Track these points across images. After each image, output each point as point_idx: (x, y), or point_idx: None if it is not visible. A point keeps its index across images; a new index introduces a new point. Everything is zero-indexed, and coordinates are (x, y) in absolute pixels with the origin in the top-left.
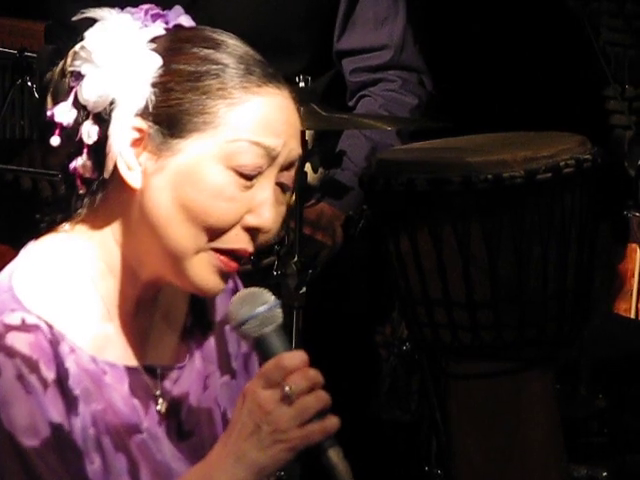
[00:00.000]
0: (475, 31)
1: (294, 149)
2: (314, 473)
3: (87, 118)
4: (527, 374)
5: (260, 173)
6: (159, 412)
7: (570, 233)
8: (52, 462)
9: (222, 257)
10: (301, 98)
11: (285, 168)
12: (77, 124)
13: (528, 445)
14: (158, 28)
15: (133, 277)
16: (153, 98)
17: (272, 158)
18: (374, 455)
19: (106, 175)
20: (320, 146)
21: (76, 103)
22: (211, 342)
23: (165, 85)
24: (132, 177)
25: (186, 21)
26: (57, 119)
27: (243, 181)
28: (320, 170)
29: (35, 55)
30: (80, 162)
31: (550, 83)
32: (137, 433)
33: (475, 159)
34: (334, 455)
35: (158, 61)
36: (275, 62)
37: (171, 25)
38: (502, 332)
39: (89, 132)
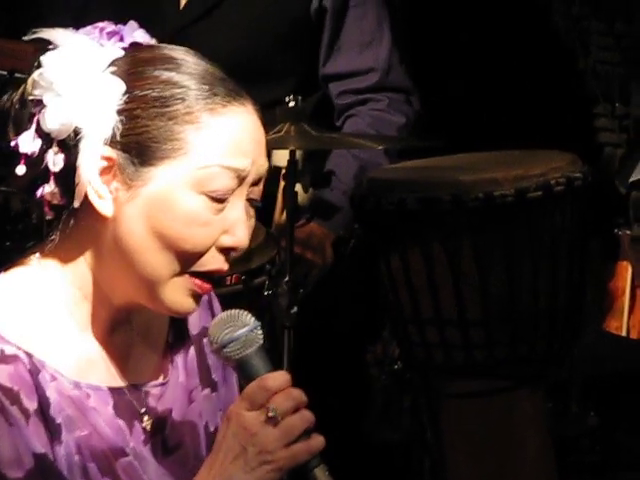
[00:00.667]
0: (464, 49)
1: (262, 165)
2: None
3: (51, 146)
4: (518, 392)
5: (231, 194)
6: (144, 429)
7: (561, 251)
8: None
9: (196, 280)
10: (291, 117)
11: (254, 184)
12: (42, 152)
13: (520, 463)
14: (115, 49)
15: (106, 301)
16: (120, 126)
17: (242, 178)
18: (366, 475)
19: (76, 204)
20: (310, 166)
21: (39, 131)
22: (192, 355)
23: (131, 112)
24: (103, 206)
25: (141, 37)
26: (22, 149)
27: (216, 204)
28: (309, 190)
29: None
30: (47, 189)
31: (540, 101)
32: (123, 456)
33: (466, 178)
34: (320, 474)
35: (121, 87)
36: (262, 87)
37: (127, 43)
38: (494, 350)
39: (54, 160)
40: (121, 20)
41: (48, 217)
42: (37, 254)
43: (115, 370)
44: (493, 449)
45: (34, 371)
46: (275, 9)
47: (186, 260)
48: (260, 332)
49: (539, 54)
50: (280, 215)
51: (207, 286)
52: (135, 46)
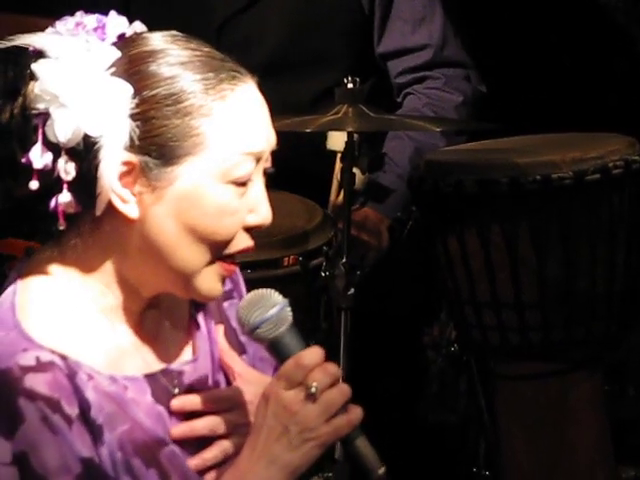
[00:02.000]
0: (523, 31)
1: (272, 138)
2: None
3: (60, 155)
4: (575, 375)
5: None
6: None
7: (618, 234)
8: None
9: (225, 264)
10: (349, 99)
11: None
12: (52, 163)
13: (576, 446)
14: (108, 48)
15: (134, 293)
16: (136, 130)
17: (260, 158)
18: (422, 457)
19: (98, 212)
20: (367, 148)
21: (47, 143)
22: (216, 323)
23: (145, 115)
24: (128, 210)
25: (122, 25)
26: (34, 166)
27: (240, 189)
28: (366, 173)
29: None
30: (62, 199)
31: (598, 84)
32: (165, 445)
33: (523, 160)
34: (361, 444)
35: (129, 90)
36: (316, 73)
37: (112, 35)
38: (550, 333)
39: (66, 169)
40: (168, 12)
41: (61, 227)
42: (56, 260)
43: (147, 356)
44: (549, 431)
45: (71, 374)
46: None
47: (218, 248)
48: (289, 309)
49: (598, 37)
50: (336, 197)
51: (234, 267)
52: (123, 40)
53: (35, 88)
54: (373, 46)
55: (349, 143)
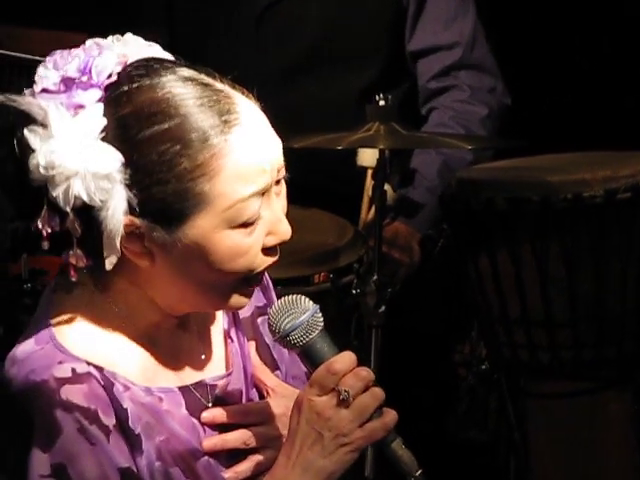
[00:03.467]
0: (551, 48)
1: (279, 160)
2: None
3: (67, 215)
4: (606, 394)
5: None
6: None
7: None
8: None
9: (249, 287)
10: (381, 116)
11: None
12: (61, 222)
13: (606, 465)
14: (95, 113)
15: (164, 313)
16: (134, 198)
17: (268, 189)
18: (451, 474)
19: (108, 268)
20: (398, 165)
21: (52, 208)
22: (248, 339)
23: (140, 183)
24: (141, 261)
25: (109, 63)
26: (44, 232)
27: (250, 228)
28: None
29: None
30: (72, 254)
31: (628, 102)
32: (200, 457)
33: (554, 178)
34: (397, 448)
35: (120, 159)
36: (347, 73)
37: (99, 81)
38: (580, 351)
39: (72, 227)
40: (210, 4)
41: (73, 279)
42: (88, 281)
43: (181, 370)
44: (579, 450)
45: (108, 385)
46: None
47: (238, 279)
48: (320, 315)
49: (627, 52)
50: (366, 214)
51: (258, 284)
52: (112, 93)
53: (34, 162)
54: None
55: (381, 160)
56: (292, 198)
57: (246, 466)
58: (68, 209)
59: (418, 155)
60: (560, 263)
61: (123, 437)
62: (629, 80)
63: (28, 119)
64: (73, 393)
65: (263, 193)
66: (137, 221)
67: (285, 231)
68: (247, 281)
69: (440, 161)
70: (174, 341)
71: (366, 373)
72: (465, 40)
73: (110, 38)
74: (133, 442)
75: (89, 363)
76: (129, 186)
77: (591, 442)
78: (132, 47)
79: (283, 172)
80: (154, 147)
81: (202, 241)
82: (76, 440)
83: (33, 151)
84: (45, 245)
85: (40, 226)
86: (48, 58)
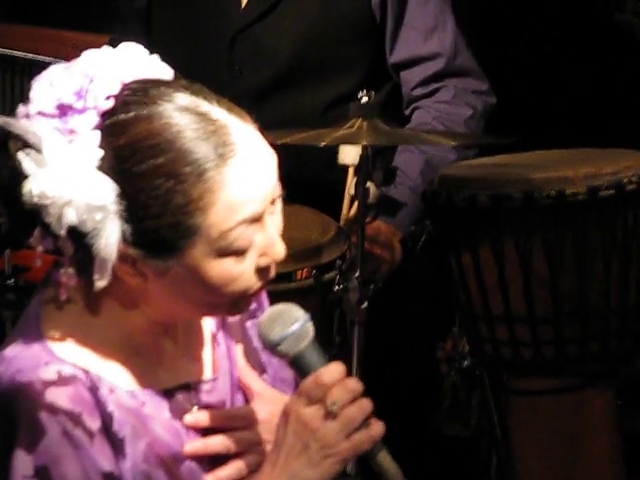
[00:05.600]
0: (534, 43)
1: (274, 186)
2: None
3: (59, 236)
4: (589, 390)
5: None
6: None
7: (632, 249)
8: None
9: (249, 299)
10: (363, 113)
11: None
12: (54, 242)
13: (589, 461)
14: (91, 143)
15: (153, 321)
16: (128, 229)
17: (261, 215)
18: (434, 470)
19: (98, 288)
20: (381, 162)
21: (44, 229)
22: (236, 343)
23: (134, 215)
24: (133, 280)
25: (109, 87)
26: (37, 250)
27: (241, 255)
28: (380, 186)
29: None
30: (63, 272)
31: (613, 99)
32: (184, 460)
33: (537, 175)
34: (384, 459)
35: (115, 190)
36: (330, 82)
37: (91, 106)
38: (564, 348)
39: (65, 248)
40: (185, 25)
41: (62, 297)
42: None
43: (166, 374)
44: (561, 447)
45: (93, 388)
46: (336, 2)
47: (231, 298)
48: (310, 325)
49: (610, 50)
50: (348, 211)
51: (259, 293)
52: (106, 118)
53: (25, 184)
54: (385, 55)
55: (363, 157)
56: None
57: (228, 471)
58: (61, 233)
59: (400, 153)
60: (543, 260)
61: (107, 441)
62: (614, 77)
63: (23, 142)
64: (58, 396)
65: (256, 219)
66: (130, 250)
67: (278, 252)
68: (243, 299)
69: (423, 160)
70: (159, 345)
71: (354, 385)
72: (447, 50)
73: (106, 48)
74: (117, 446)
75: (75, 366)
76: (123, 217)
77: (574, 438)
78: (130, 59)
79: (278, 191)
80: (148, 181)
81: (194, 269)
82: (60, 443)
83: (27, 176)
84: (38, 263)
85: (33, 244)
86: (44, 73)
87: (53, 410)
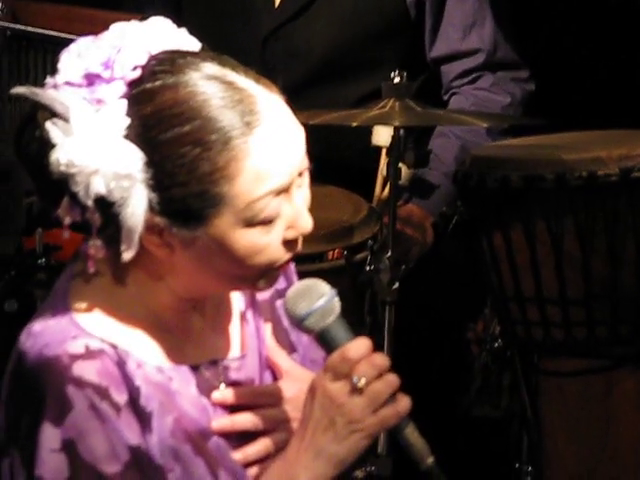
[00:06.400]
0: (569, 28)
1: (300, 157)
2: (405, 467)
3: (87, 207)
4: (619, 372)
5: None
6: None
7: None
8: None
9: (276, 272)
10: (396, 93)
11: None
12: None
13: (619, 442)
14: (119, 111)
15: (181, 297)
16: (154, 197)
17: (289, 186)
18: (464, 452)
19: (125, 260)
20: (413, 143)
21: (72, 199)
22: (266, 321)
23: (161, 184)
24: (160, 252)
25: (136, 57)
26: (65, 222)
27: (268, 226)
28: (412, 168)
29: None
30: (91, 244)
31: None
32: (212, 436)
33: (569, 156)
34: (410, 434)
35: (142, 158)
36: (362, 78)
37: (119, 76)
38: (594, 329)
39: (92, 218)
40: (216, 24)
41: (91, 270)
42: (107, 262)
43: (194, 351)
44: (591, 428)
45: (120, 362)
46: (370, 1)
47: (258, 270)
48: (337, 300)
49: None
50: (380, 192)
51: (286, 266)
52: (133, 87)
53: (52, 154)
54: (421, 50)
55: (395, 137)
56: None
57: (256, 448)
58: (89, 203)
59: (436, 138)
60: (574, 241)
61: (134, 415)
62: None
63: (50, 112)
64: (85, 369)
65: (283, 190)
66: (157, 219)
67: (305, 225)
68: (270, 271)
69: (458, 146)
70: (187, 322)
71: (380, 360)
72: (486, 46)
73: (135, 22)
74: (144, 420)
75: (103, 340)
76: (150, 186)
77: (604, 420)
78: (158, 32)
79: (306, 163)
80: (175, 149)
81: (220, 239)
82: (87, 417)
83: (54, 145)
84: (66, 234)
85: (61, 215)
86: (72, 45)
87: (80, 384)
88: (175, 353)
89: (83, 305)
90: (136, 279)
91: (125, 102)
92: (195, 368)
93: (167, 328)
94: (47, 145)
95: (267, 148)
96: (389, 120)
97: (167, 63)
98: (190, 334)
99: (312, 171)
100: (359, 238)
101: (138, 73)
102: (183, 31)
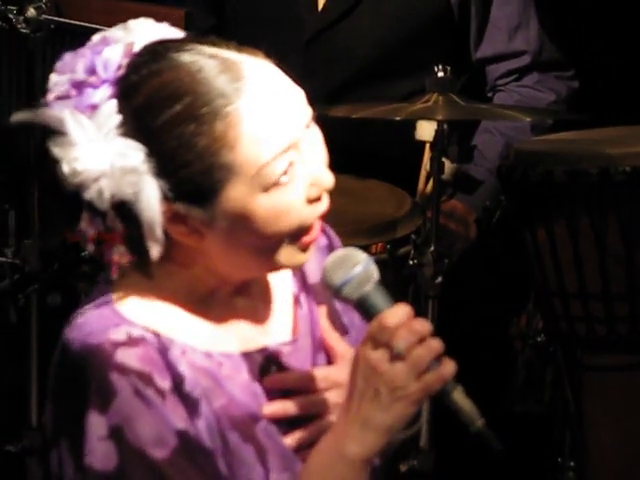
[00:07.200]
0: (615, 24)
1: (300, 112)
2: (448, 461)
3: (106, 215)
4: None
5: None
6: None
7: None
8: (185, 469)
9: (303, 238)
10: (439, 88)
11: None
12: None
13: None
14: (109, 111)
15: (223, 280)
16: (164, 185)
17: (297, 142)
18: (507, 447)
19: (155, 257)
20: (457, 138)
21: (91, 210)
22: (318, 305)
23: (167, 169)
24: (190, 240)
25: (115, 54)
26: (88, 234)
27: (284, 186)
28: (453, 165)
29: None
30: (115, 251)
31: None
32: (262, 422)
33: (614, 151)
34: (458, 398)
35: (142, 150)
36: (406, 79)
37: (108, 77)
38: (638, 324)
39: (113, 224)
40: (259, 26)
41: (114, 277)
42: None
43: (245, 336)
44: (635, 423)
45: (163, 350)
46: (414, 3)
47: (288, 235)
48: (374, 267)
49: None
50: (424, 186)
51: (313, 237)
52: (119, 85)
53: (60, 170)
54: (465, 50)
55: (439, 132)
56: (352, 168)
57: (308, 432)
58: (105, 208)
59: (481, 134)
60: (618, 236)
61: (180, 400)
62: None
63: (50, 131)
64: (128, 356)
65: (290, 148)
66: (174, 206)
67: (326, 179)
68: (301, 238)
69: (503, 143)
70: (234, 307)
71: (420, 326)
72: (532, 47)
73: (118, 27)
74: (191, 405)
75: (145, 328)
76: (157, 174)
77: None
78: (138, 33)
79: (309, 116)
80: (170, 132)
81: (241, 211)
82: (132, 402)
83: (60, 161)
84: (90, 248)
85: (84, 229)
86: (58, 64)
87: (123, 370)
88: (224, 339)
89: (125, 295)
90: (172, 270)
91: (115, 101)
92: (245, 353)
93: (214, 315)
94: (56, 164)
95: (260, 110)
96: (433, 114)
97: (147, 53)
98: (239, 320)
99: (356, 164)
100: (402, 232)
101: (122, 71)
102: (165, 25)
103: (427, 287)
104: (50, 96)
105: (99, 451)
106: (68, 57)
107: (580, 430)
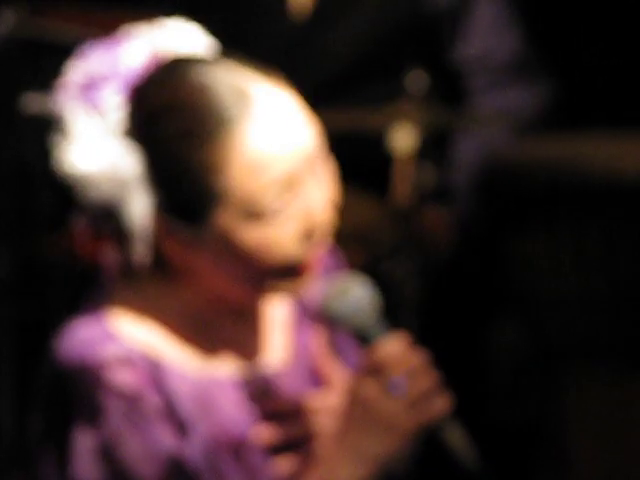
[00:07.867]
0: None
1: (303, 148)
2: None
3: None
4: None
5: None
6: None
7: None
8: None
9: (293, 277)
10: (418, 94)
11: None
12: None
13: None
14: (111, 108)
15: (218, 301)
16: (154, 197)
17: (294, 180)
18: (490, 457)
19: (142, 264)
20: (435, 146)
21: (85, 213)
22: (317, 331)
23: (159, 181)
24: (180, 257)
25: (136, 55)
26: (79, 232)
27: (271, 219)
28: (430, 173)
29: None
30: (112, 255)
31: None
32: (251, 444)
33: (595, 159)
34: (451, 435)
35: (142, 156)
36: (387, 82)
37: (117, 79)
38: (618, 333)
39: (102, 227)
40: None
41: (107, 280)
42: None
43: (235, 359)
44: (618, 434)
45: (154, 370)
46: (392, 6)
47: (273, 270)
48: (373, 295)
49: None
50: (403, 193)
51: (311, 267)
52: (125, 93)
53: (58, 167)
54: (444, 52)
55: (418, 139)
56: None
57: (298, 458)
58: (98, 211)
59: (460, 141)
60: (600, 245)
61: (169, 421)
62: None
63: (53, 126)
64: (119, 376)
65: (288, 180)
66: (164, 220)
67: (319, 220)
68: (293, 271)
69: (482, 149)
70: (228, 330)
71: (416, 357)
72: (512, 49)
73: (146, 25)
74: (180, 427)
75: (137, 348)
76: (147, 184)
77: (630, 425)
78: (166, 34)
79: (313, 151)
80: (168, 146)
81: (227, 236)
82: (120, 423)
83: (60, 157)
84: (80, 251)
85: (75, 228)
86: (78, 51)
87: (112, 389)
88: (216, 361)
89: (118, 311)
90: (166, 290)
91: (117, 106)
92: (237, 377)
93: (207, 337)
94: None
95: (258, 139)
96: (411, 121)
97: (166, 66)
98: (232, 343)
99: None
100: (383, 241)
101: (139, 76)
102: (196, 31)
103: (409, 298)
104: (58, 87)
105: (84, 468)
106: (85, 50)
107: (564, 440)
